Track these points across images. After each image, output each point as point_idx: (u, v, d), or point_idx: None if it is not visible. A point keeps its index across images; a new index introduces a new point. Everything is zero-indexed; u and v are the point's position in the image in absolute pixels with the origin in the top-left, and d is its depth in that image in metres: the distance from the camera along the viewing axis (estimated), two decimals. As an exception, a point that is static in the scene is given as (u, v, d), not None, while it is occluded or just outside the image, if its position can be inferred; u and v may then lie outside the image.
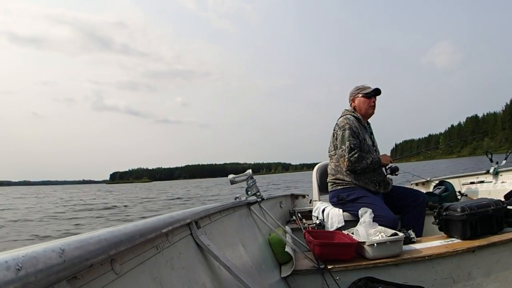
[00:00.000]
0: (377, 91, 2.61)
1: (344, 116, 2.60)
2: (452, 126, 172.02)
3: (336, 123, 2.62)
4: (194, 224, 1.00)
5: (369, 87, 2.61)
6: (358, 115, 2.61)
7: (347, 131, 2.47)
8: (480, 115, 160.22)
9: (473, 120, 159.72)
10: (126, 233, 0.57)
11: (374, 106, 2.62)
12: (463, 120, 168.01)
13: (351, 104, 2.70)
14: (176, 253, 0.82)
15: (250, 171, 2.13)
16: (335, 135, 2.59)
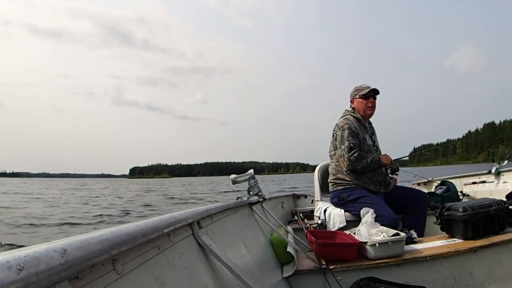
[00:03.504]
0: (374, 91, 2.60)
1: (344, 117, 2.61)
2: (469, 132, 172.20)
3: (336, 124, 2.63)
4: (196, 224, 1.00)
5: (368, 87, 2.60)
6: (358, 115, 2.61)
7: (346, 131, 2.48)
8: (497, 122, 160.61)
9: (490, 126, 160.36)
10: (128, 233, 0.57)
11: (372, 107, 2.61)
12: (480, 126, 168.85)
13: (350, 105, 2.71)
14: (178, 253, 0.82)
15: (251, 171, 2.13)
16: (335, 136, 2.60)
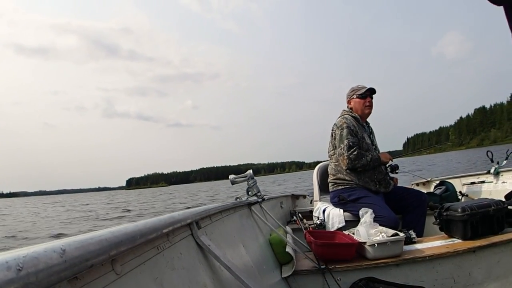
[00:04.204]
0: (371, 91, 2.62)
1: (342, 116, 2.63)
2: (461, 118, 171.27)
3: (334, 123, 2.64)
4: (195, 224, 1.00)
5: (364, 87, 2.63)
6: (356, 114, 2.63)
7: (345, 130, 2.49)
8: (487, 106, 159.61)
9: (481, 111, 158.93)
10: (126, 234, 0.57)
11: (370, 106, 2.63)
12: (471, 111, 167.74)
13: (348, 106, 2.73)
14: (176, 253, 0.82)
15: (250, 171, 2.13)
16: (334, 135, 2.60)
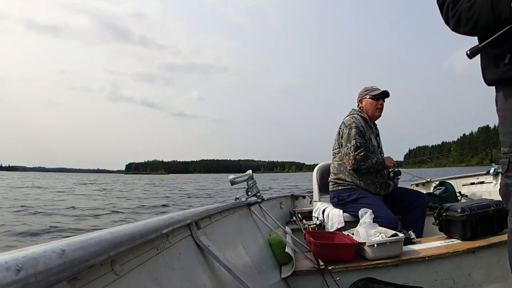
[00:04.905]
0: (385, 94, 2.60)
1: (351, 115, 2.60)
2: (464, 135, 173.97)
3: (343, 122, 2.62)
4: (194, 224, 0.99)
5: (378, 89, 2.61)
6: (365, 115, 2.61)
7: (353, 130, 2.47)
8: (491, 125, 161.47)
9: (485, 130, 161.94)
10: (126, 234, 0.57)
11: (381, 109, 2.61)
12: (475, 129, 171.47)
13: (358, 105, 2.70)
14: (176, 253, 0.82)
15: (250, 171, 2.13)
16: (341, 133, 2.59)
